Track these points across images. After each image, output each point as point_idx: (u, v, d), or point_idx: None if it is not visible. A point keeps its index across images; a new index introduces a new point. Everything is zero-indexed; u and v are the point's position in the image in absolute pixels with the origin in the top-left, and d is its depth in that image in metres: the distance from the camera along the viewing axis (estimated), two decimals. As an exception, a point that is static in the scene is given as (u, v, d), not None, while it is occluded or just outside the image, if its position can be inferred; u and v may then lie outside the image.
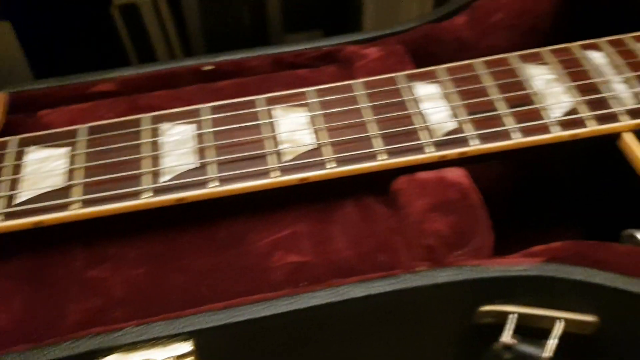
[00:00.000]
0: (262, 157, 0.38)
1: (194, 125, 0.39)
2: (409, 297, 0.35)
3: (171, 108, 0.41)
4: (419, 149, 0.38)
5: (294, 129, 0.39)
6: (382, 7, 0.99)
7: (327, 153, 0.37)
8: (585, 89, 0.41)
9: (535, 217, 0.49)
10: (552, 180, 0.47)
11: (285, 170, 0.37)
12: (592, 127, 0.39)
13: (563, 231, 0.48)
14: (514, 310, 0.36)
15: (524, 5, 0.53)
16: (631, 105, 0.40)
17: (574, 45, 0.44)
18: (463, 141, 0.38)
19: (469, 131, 0.39)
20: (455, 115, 0.39)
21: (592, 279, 0.34)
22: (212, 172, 0.37)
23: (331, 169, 0.37)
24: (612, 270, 0.35)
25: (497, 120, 0.39)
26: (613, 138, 0.40)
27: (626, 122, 0.39)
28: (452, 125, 0.39)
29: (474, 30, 0.51)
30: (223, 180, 0.36)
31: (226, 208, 0.39)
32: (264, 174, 0.37)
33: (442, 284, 0.35)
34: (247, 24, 1.08)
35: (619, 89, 0.41)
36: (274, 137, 0.38)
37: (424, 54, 0.50)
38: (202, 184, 0.36)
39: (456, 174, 0.38)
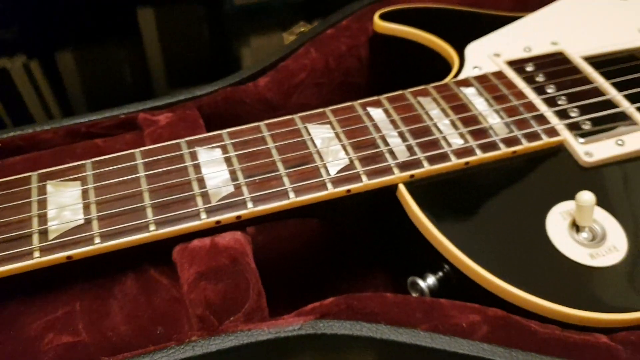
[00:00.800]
0: (27, 237, 0.36)
1: (-42, 209, 0.38)
2: (181, 370, 0.34)
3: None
4: (194, 216, 0.38)
5: (64, 204, 0.38)
6: (259, 58, 1.01)
7: (95, 228, 0.37)
8: (361, 145, 0.43)
9: (348, 267, 0.51)
10: (356, 231, 0.48)
11: (47, 249, 0.35)
12: (365, 182, 0.41)
13: (372, 279, 0.50)
14: (296, 370, 0.36)
15: (327, 64, 0.55)
16: (403, 158, 0.42)
17: (356, 103, 0.46)
18: (239, 205, 0.39)
19: (245, 194, 0.39)
20: (233, 179, 0.40)
21: (359, 332, 0.35)
22: (-31, 257, 0.35)
23: (97, 245, 0.36)
24: (381, 321, 0.36)
25: (274, 181, 0.40)
26: (393, 189, 0.42)
27: (398, 174, 0.41)
28: (229, 189, 0.39)
29: (279, 91, 0.53)
30: (-21, 266, 0.35)
31: (-3, 291, 0.37)
32: (27, 254, 0.35)
33: (215, 352, 0.35)
34: (129, 81, 1.07)
35: (394, 143, 0.43)
36: (43, 215, 0.37)
37: (228, 116, 0.51)
38: (-45, 271, 0.34)
39: (229, 239, 0.38)
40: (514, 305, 0.37)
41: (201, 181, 0.40)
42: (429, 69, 0.55)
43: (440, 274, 0.40)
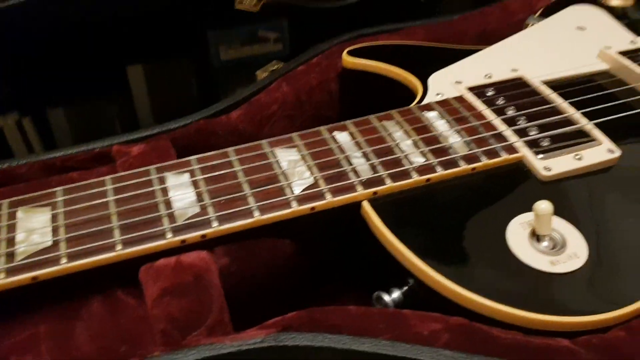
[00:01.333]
0: (-7, 260, 0.37)
1: None
2: (142, 385, 0.34)
3: None
4: (160, 236, 0.39)
5: (33, 228, 0.39)
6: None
7: (62, 249, 0.37)
8: (326, 166, 0.44)
9: (320, 292, 0.51)
10: (324, 251, 0.49)
11: (13, 271, 0.36)
12: (330, 200, 0.42)
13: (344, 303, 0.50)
14: (261, 385, 0.36)
15: (298, 98, 0.57)
16: (366, 176, 0.43)
17: (322, 128, 0.47)
18: (204, 224, 0.40)
19: (211, 214, 0.40)
20: (200, 201, 0.41)
21: (320, 343, 0.35)
22: None
23: (64, 265, 0.37)
24: (343, 332, 0.36)
25: (239, 201, 0.41)
26: (357, 207, 0.43)
27: (361, 192, 0.42)
28: (195, 210, 0.40)
29: (251, 123, 0.55)
30: (-55, 287, 0.35)
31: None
32: (-8, 276, 0.36)
33: (177, 367, 0.35)
34: (118, 130, 1.09)
35: (358, 163, 0.44)
36: (11, 239, 0.38)
37: (201, 147, 0.52)
38: None
39: (194, 257, 0.39)
40: (477, 314, 0.37)
41: (168, 203, 0.41)
42: (396, 100, 0.57)
43: (405, 287, 0.40)
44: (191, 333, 0.36)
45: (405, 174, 0.44)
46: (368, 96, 0.60)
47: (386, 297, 0.40)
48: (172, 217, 0.40)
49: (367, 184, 0.43)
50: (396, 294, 0.41)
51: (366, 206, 0.42)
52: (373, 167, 0.44)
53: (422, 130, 0.47)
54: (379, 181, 0.43)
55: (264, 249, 0.53)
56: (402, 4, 0.86)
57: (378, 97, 0.59)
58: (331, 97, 0.59)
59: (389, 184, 0.43)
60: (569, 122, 0.48)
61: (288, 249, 0.53)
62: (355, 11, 0.86)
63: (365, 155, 0.45)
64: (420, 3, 0.86)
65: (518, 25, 0.66)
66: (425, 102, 0.51)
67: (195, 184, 0.42)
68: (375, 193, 0.43)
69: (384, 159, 0.44)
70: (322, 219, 0.43)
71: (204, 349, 0.35)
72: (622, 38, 0.60)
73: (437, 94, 0.52)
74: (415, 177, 0.43)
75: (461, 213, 0.42)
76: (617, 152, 0.46)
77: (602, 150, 0.46)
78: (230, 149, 0.45)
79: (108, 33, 0.97)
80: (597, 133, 0.47)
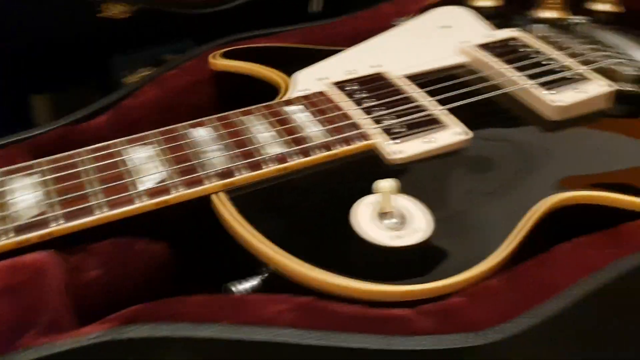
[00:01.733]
0: None
1: None
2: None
3: None
4: (-5, 237, 0.38)
5: None
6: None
7: None
8: (180, 160, 0.44)
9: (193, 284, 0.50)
10: (192, 247, 0.48)
11: None
12: (181, 193, 0.42)
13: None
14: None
15: (168, 101, 0.57)
16: (220, 168, 0.43)
17: (181, 125, 0.48)
18: (47, 223, 0.39)
19: (55, 212, 0.39)
20: (45, 200, 0.40)
21: (160, 333, 0.35)
22: None
23: None
24: (185, 320, 0.36)
25: (86, 199, 0.40)
26: (208, 200, 0.43)
27: (215, 183, 0.42)
28: (39, 209, 0.39)
29: (119, 129, 0.54)
30: None
31: None
32: None
33: (8, 369, 0.33)
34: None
35: (214, 156, 0.44)
36: None
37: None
38: None
39: (33, 257, 0.37)
40: (323, 292, 0.38)
41: (10, 205, 0.39)
42: (269, 99, 0.58)
43: (255, 275, 0.40)
44: (27, 333, 0.35)
45: (262, 164, 0.44)
46: (245, 98, 0.60)
47: (234, 288, 0.40)
48: (12, 218, 0.39)
49: (221, 175, 0.43)
50: (246, 283, 0.40)
51: (214, 198, 0.42)
52: (228, 159, 0.44)
53: (282, 122, 0.48)
54: (234, 172, 0.43)
55: (136, 257, 0.52)
56: (290, 13, 0.88)
57: (254, 98, 0.60)
58: (209, 100, 0.59)
59: (245, 175, 0.43)
60: (421, 109, 0.50)
61: (159, 255, 0.52)
62: (244, 23, 0.87)
63: (222, 148, 0.45)
64: (308, 13, 0.88)
65: (390, 27, 0.68)
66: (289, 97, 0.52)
67: (42, 184, 0.41)
68: (230, 185, 0.43)
69: (240, 150, 0.45)
70: (176, 213, 0.42)
71: (38, 349, 0.34)
72: (484, 34, 0.63)
73: (302, 90, 0.53)
74: (272, 167, 0.44)
75: (315, 199, 0.43)
76: (468, 134, 0.48)
77: (451, 133, 0.48)
78: (82, 149, 0.44)
79: (9, 63, 0.94)
80: (447, 118, 0.49)
